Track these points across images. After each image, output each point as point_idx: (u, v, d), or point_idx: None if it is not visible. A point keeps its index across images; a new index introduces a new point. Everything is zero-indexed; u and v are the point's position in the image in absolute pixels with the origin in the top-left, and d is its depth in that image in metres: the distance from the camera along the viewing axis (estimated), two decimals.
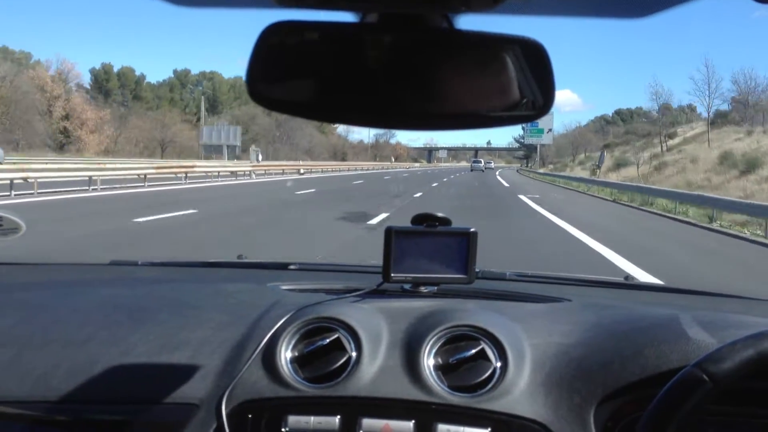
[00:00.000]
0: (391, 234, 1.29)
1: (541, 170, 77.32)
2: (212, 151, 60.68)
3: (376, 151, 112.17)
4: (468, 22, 0.63)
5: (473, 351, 1.18)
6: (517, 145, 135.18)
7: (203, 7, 0.65)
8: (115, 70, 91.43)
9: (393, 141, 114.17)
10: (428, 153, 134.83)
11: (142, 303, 1.34)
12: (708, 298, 1.67)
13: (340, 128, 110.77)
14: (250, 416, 1.15)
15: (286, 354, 1.18)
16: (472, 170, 73.62)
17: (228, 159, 56.68)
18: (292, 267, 1.78)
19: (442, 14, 0.63)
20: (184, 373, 1.17)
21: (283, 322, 1.22)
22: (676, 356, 1.11)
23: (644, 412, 0.95)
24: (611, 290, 1.75)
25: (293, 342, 1.19)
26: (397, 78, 0.63)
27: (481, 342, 1.18)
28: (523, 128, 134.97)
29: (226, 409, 1.14)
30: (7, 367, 1.16)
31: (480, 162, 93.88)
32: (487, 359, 1.17)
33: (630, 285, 1.80)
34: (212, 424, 1.13)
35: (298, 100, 0.66)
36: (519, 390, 1.14)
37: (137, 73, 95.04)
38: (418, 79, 0.64)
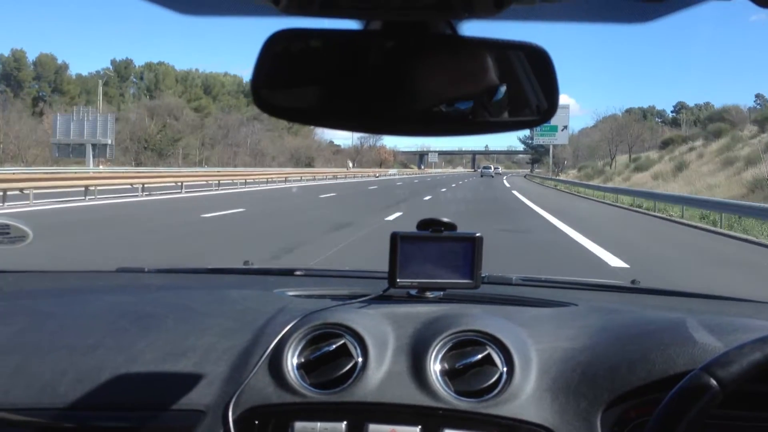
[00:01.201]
0: (396, 239, 1.31)
1: (560, 177, 64.42)
2: (70, 153, 33.48)
3: (355, 156, 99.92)
4: (471, 28, 0.63)
5: (479, 356, 1.19)
6: (521, 147, 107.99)
7: (208, 15, 0.66)
8: (32, 57, 77.65)
9: (378, 144, 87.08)
10: (419, 157, 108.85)
11: (148, 310, 1.40)
12: (714, 301, 1.70)
13: (317, 130, 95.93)
14: (256, 422, 1.16)
15: (292, 360, 1.20)
16: (482, 176, 78.46)
17: (94, 163, 28.57)
18: (298, 273, 1.80)
19: (446, 21, 0.62)
20: (191, 379, 1.19)
21: (290, 328, 1.24)
22: (682, 360, 1.13)
23: (651, 416, 0.94)
24: (617, 294, 1.76)
25: (300, 348, 1.21)
26: (401, 84, 0.62)
27: (488, 347, 1.20)
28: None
29: (233, 415, 1.15)
30: (13, 374, 1.20)
31: (490, 168, 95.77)
32: (494, 364, 1.19)
33: (636, 289, 1.81)
34: (219, 431, 1.15)
35: (303, 107, 0.65)
36: (525, 395, 1.16)
37: (59, 61, 79.05)
38: (422, 85, 0.62)
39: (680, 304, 1.66)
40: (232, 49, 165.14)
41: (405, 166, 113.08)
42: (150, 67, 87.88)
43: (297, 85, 0.65)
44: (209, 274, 1.93)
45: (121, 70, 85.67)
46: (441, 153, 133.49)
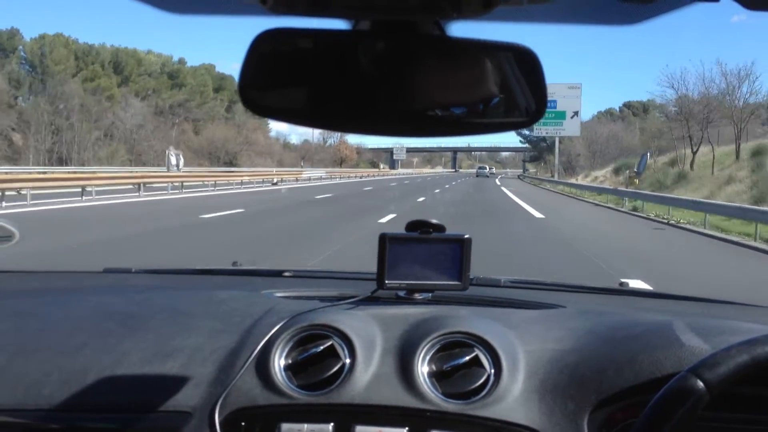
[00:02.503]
0: (385, 241, 1.36)
1: (578, 181, 46.68)
2: None
3: (303, 153, 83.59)
4: (460, 29, 0.64)
5: (467, 358, 1.25)
6: (505, 144, 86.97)
7: (194, 14, 0.68)
8: None
9: (335, 140, 67.05)
10: (390, 155, 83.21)
11: (134, 310, 1.45)
12: (702, 304, 1.77)
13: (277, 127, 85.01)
14: (243, 424, 1.21)
15: (279, 361, 1.26)
16: (477, 176, 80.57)
17: None
18: (286, 274, 1.82)
19: (434, 21, 0.63)
20: (177, 380, 1.25)
21: (277, 330, 1.30)
22: (669, 362, 1.19)
23: (638, 418, 0.98)
24: (605, 296, 1.82)
25: (287, 349, 1.27)
26: (389, 85, 0.64)
27: (475, 349, 1.27)
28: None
29: (219, 417, 1.20)
30: None
31: (485, 168, 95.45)
32: (481, 366, 1.25)
33: (624, 291, 1.86)
34: None
35: (291, 107, 0.66)
36: (513, 397, 1.22)
37: None
38: (410, 86, 0.64)
39: (668, 306, 1.72)
40: (162, 23, 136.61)
41: (374, 165, 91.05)
42: (44, 39, 64.61)
43: (285, 85, 0.65)
44: (197, 275, 1.93)
45: (3, 40, 70.41)
46: (415, 150, 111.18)
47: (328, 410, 1.18)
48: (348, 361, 1.23)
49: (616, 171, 48.37)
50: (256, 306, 1.42)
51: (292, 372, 1.23)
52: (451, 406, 1.17)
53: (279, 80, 0.64)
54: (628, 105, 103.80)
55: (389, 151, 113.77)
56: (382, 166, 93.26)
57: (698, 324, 1.30)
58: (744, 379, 0.91)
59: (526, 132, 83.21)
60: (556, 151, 62.19)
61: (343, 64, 0.63)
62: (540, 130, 61.73)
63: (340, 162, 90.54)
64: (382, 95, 0.63)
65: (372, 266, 1.41)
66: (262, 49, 0.62)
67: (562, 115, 58.97)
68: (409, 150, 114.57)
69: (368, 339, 1.27)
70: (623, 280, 1.96)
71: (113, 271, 1.96)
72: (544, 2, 0.61)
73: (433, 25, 0.63)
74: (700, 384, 0.89)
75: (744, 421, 1.18)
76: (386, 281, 1.35)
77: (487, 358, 1.23)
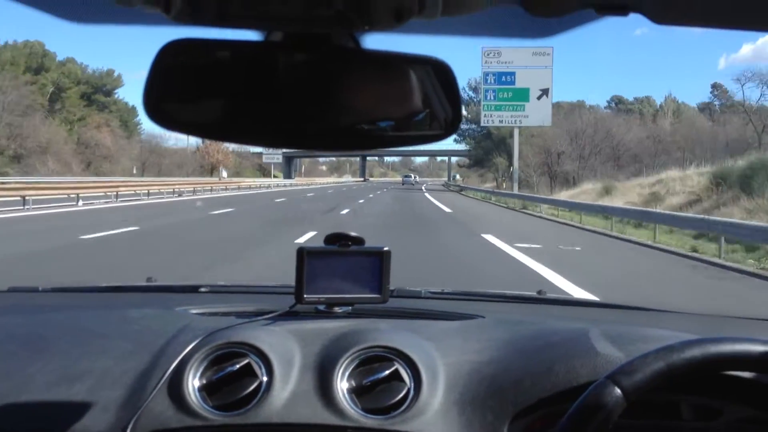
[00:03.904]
0: (303, 254, 1.42)
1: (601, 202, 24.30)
2: None
3: (144, 159, 64.32)
4: (375, 41, 0.64)
5: (387, 372, 1.30)
6: (452, 146, 65.72)
7: (95, 24, 0.68)
8: None
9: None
10: (287, 162, 58.14)
11: (40, 331, 1.45)
12: (617, 311, 1.88)
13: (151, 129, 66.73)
14: None
15: (193, 382, 1.29)
16: (403, 184, 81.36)
17: None
18: (202, 290, 1.80)
19: (347, 33, 0.63)
20: (85, 405, 1.27)
21: (191, 349, 1.32)
22: (585, 371, 1.24)
23: (557, 425, 1.00)
24: (524, 306, 1.90)
25: (201, 369, 1.31)
26: (303, 98, 0.63)
27: (395, 363, 1.33)
28: (472, 95, 60.10)
29: None
30: None
31: (410, 176, 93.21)
32: (401, 380, 1.31)
33: (542, 300, 1.93)
34: None
35: (199, 121, 0.64)
36: (433, 410, 1.28)
37: None
38: (324, 99, 0.63)
39: (584, 314, 1.81)
40: None
41: (264, 172, 69.35)
42: None
43: (193, 97, 0.64)
44: (108, 293, 1.89)
45: None
46: (323, 156, 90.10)
47: (244, 431, 1.20)
48: (265, 379, 1.25)
49: (746, 185, 20.16)
50: (169, 324, 1.42)
51: (207, 392, 1.25)
52: (371, 421, 1.20)
53: (188, 93, 0.63)
54: (557, 105, 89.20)
55: (286, 157, 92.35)
56: (224, 175, 71.15)
57: (613, 331, 1.37)
58: (660, 386, 0.97)
59: (463, 125, 63.92)
60: (515, 149, 41.47)
61: (254, 76, 0.61)
62: (488, 116, 42.10)
63: (211, 170, 75.67)
64: (295, 108, 0.62)
65: (291, 279, 1.50)
66: (168, 60, 0.61)
67: (523, 95, 40.31)
68: (316, 156, 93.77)
69: (286, 356, 1.31)
70: (541, 288, 2.13)
71: (19, 290, 1.88)
72: (457, 14, 0.60)
73: (348, 37, 0.63)
74: (617, 390, 0.93)
75: (658, 428, 1.26)
76: (305, 295, 1.37)
77: (406, 372, 1.27)
